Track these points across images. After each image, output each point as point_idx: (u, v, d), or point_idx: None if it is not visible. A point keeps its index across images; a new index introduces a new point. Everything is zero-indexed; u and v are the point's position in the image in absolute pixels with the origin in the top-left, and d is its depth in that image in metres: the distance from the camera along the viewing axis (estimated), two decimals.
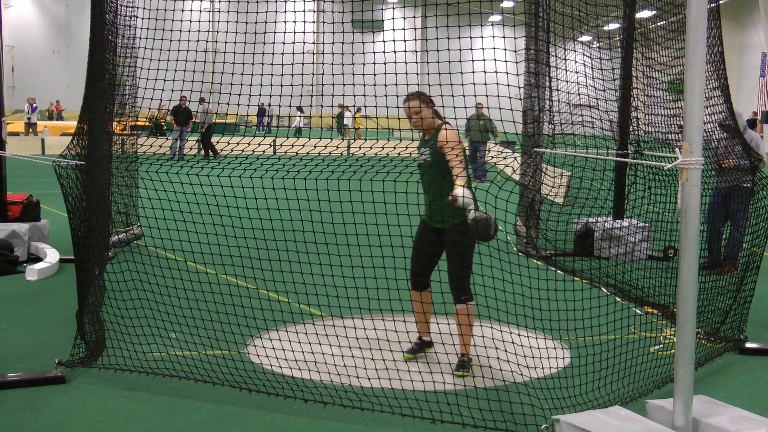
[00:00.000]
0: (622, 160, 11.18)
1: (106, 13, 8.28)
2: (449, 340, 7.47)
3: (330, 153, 6.91)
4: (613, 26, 15.18)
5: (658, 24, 11.28)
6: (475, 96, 6.72)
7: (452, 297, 7.26)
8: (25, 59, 64.56)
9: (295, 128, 45.53)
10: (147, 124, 31.47)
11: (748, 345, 8.19)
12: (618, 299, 9.67)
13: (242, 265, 7.51)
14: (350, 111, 42.66)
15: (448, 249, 7.25)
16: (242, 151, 7.25)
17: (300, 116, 46.22)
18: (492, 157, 25.11)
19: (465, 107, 6.84)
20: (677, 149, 5.35)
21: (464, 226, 7.05)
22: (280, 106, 7.61)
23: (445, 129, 7.18)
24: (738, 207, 11.06)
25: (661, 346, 7.99)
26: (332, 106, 7.74)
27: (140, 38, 8.37)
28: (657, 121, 11.17)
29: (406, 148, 7.22)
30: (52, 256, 11.79)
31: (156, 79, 7.85)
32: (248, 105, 7.57)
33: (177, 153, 31.04)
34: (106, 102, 8.41)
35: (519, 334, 7.26)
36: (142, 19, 8.67)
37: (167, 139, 29.98)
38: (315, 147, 7.09)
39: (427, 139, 7.34)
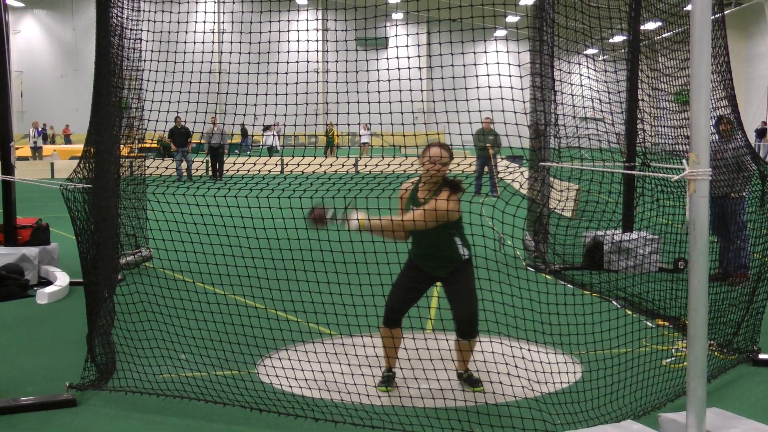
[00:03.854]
0: (629, 172, 11.16)
1: (112, 36, 8.31)
2: (458, 356, 7.44)
3: (336, 171, 6.90)
4: (618, 39, 15.16)
5: (663, 35, 11.26)
6: (479, 111, 6.71)
7: (461, 333, 7.18)
8: (34, 84, 64.89)
9: (266, 147, 43.56)
10: (154, 145, 31.45)
11: (761, 356, 8.12)
12: (629, 312, 9.63)
13: (251, 285, 7.50)
14: (368, 129, 42.07)
15: (462, 288, 7.17)
16: (248, 171, 7.26)
17: (273, 135, 43.63)
18: (500, 172, 25.00)
19: (470, 123, 6.80)
20: (684, 160, 5.33)
21: (467, 265, 7.06)
22: (285, 125, 7.60)
23: (448, 199, 6.93)
24: (731, 217, 10.99)
25: (673, 358, 7.93)
26: (340, 124, 7.72)
27: (146, 60, 8.40)
28: (664, 132, 11.14)
29: (411, 164, 7.21)
30: (62, 279, 11.80)
31: (161, 101, 7.86)
32: (253, 125, 7.58)
33: (183, 174, 30.86)
34: (112, 124, 8.43)
35: (529, 349, 7.23)
36: (147, 41, 8.70)
37: (173, 160, 29.92)
38: (321, 165, 7.09)
39: (424, 196, 7.11)
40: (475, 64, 6.97)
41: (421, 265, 7.26)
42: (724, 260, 11.34)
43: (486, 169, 25.32)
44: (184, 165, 31.41)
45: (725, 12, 9.22)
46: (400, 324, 7.36)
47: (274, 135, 43.33)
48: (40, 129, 47.58)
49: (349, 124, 7.34)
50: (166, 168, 8.24)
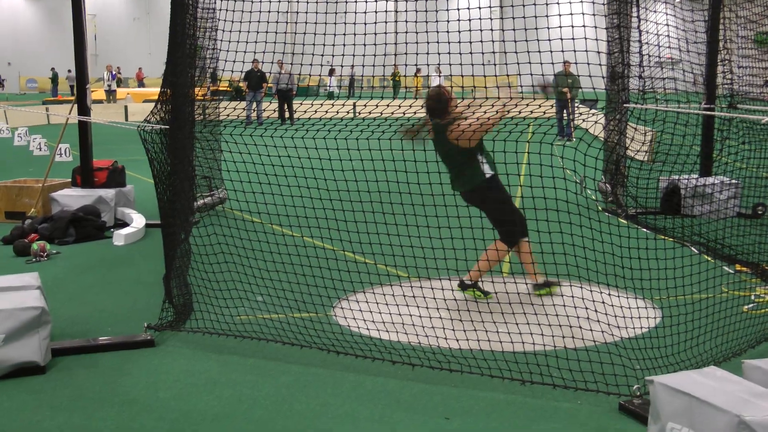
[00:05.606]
0: (717, 114, 10.90)
1: None
2: (538, 300, 7.36)
3: (415, 113, 6.84)
4: None
5: None
6: (562, 51, 6.56)
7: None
8: (107, 27, 65.44)
9: (327, 93, 43.87)
10: (228, 89, 31.48)
11: None
12: (707, 258, 9.45)
13: (328, 227, 7.48)
14: (440, 72, 41.50)
15: None
16: (326, 112, 7.20)
17: (332, 78, 43.64)
18: (579, 115, 24.74)
19: (552, 63, 6.67)
20: None
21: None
22: (363, 65, 7.53)
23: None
24: None
25: (753, 305, 7.78)
26: (416, 64, 7.61)
27: (220, 0, 8.35)
28: (749, 74, 10.89)
29: (493, 105, 7.11)
30: (138, 221, 11.91)
31: (238, 41, 7.81)
32: (330, 65, 7.53)
33: (255, 118, 30.71)
34: (188, 67, 8.42)
35: (609, 294, 7.13)
36: None
37: (246, 103, 29.88)
38: (399, 107, 7.01)
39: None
40: (558, 2, 6.82)
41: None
42: None
43: (565, 112, 25.13)
44: (254, 109, 31.24)
45: None
46: None
47: (332, 78, 43.12)
48: (114, 73, 48.03)
49: (428, 65, 7.24)
50: (243, 110, 8.22)
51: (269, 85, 32.38)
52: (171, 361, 6.73)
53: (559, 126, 24.78)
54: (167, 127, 7.89)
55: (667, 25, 8.74)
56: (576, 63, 6.47)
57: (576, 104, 25.36)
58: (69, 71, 56.76)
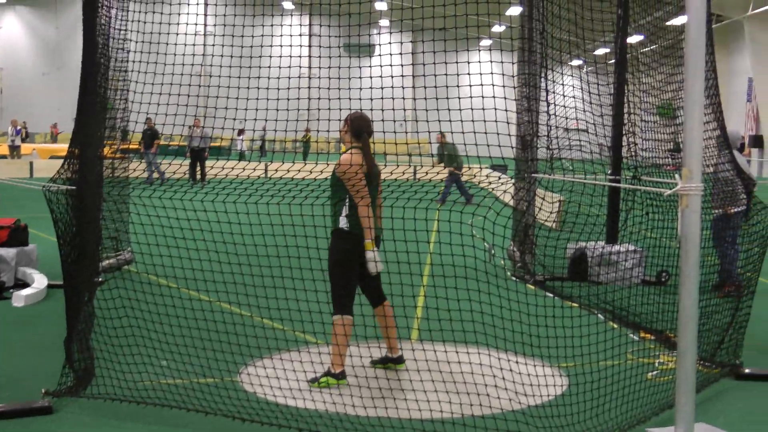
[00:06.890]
0: (623, 186, 11.12)
1: (98, 36, 8.19)
2: (446, 367, 7.36)
3: (326, 178, 6.83)
4: (603, 51, 15.20)
5: (649, 48, 11.27)
6: (473, 121, 6.65)
7: None
8: (14, 82, 64.46)
9: (238, 152, 43.44)
10: (139, 147, 31.10)
11: (745, 370, 8.09)
12: (613, 325, 9.58)
13: (235, 291, 7.41)
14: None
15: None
16: (237, 176, 7.16)
17: (241, 140, 43.17)
18: (486, 179, 25.28)
19: (463, 132, 6.75)
20: (677, 175, 5.29)
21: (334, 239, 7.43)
22: (276, 130, 7.53)
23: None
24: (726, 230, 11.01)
25: (657, 372, 7.89)
26: (327, 131, 7.63)
27: (132, 62, 8.30)
28: (651, 146, 11.14)
29: (403, 173, 7.16)
30: (39, 281, 11.64)
31: (150, 103, 7.76)
32: (243, 126, 7.52)
33: (157, 178, 30.11)
34: (97, 125, 8.31)
35: (517, 361, 7.17)
36: (135, 42, 8.60)
37: (143, 163, 29.57)
38: (311, 172, 7.00)
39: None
40: (468, 74, 6.92)
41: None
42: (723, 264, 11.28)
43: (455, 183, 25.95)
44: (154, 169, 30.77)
45: (713, 25, 9.21)
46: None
47: (242, 140, 43.00)
48: (18, 128, 47.21)
49: (340, 131, 7.27)
50: (143, 171, 8.14)
51: (162, 143, 31.92)
52: (70, 429, 6.52)
53: (443, 192, 25.37)
54: (74, 188, 7.74)
55: (574, 97, 8.93)
56: (486, 132, 6.56)
57: (461, 172, 26.10)
58: None
